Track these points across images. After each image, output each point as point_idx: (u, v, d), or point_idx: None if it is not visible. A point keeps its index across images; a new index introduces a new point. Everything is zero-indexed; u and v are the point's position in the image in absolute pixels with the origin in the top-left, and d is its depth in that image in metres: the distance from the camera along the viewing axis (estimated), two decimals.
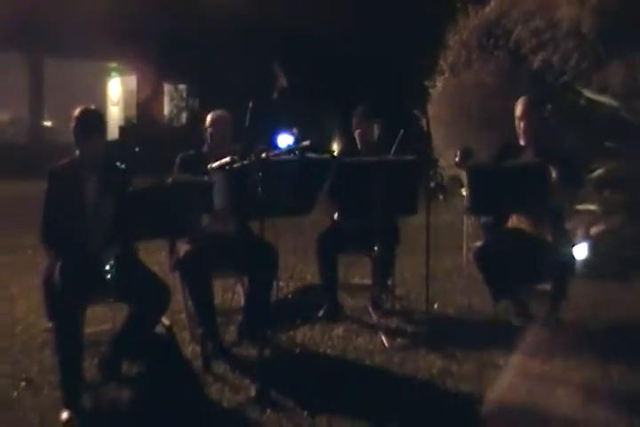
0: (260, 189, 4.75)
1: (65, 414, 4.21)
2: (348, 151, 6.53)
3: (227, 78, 19.40)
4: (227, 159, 5.27)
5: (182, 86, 25.11)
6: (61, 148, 5.58)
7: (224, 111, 5.84)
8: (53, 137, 21.42)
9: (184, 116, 24.55)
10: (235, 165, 5.19)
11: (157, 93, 24.79)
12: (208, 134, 5.77)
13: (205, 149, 5.79)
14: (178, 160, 5.69)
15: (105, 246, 4.61)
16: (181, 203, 4.64)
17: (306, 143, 5.32)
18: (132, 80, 25.26)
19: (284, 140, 6.06)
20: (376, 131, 6.46)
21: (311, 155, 5.38)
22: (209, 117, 5.81)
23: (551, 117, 6.03)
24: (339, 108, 16.71)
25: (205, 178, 5.24)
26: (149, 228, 4.54)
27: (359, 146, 6.47)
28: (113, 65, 25.16)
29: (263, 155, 4.88)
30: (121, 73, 25.63)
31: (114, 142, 18.78)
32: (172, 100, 25.23)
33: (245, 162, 5.06)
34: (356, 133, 6.47)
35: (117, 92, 26.17)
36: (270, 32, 17.71)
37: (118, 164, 4.89)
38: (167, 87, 25.44)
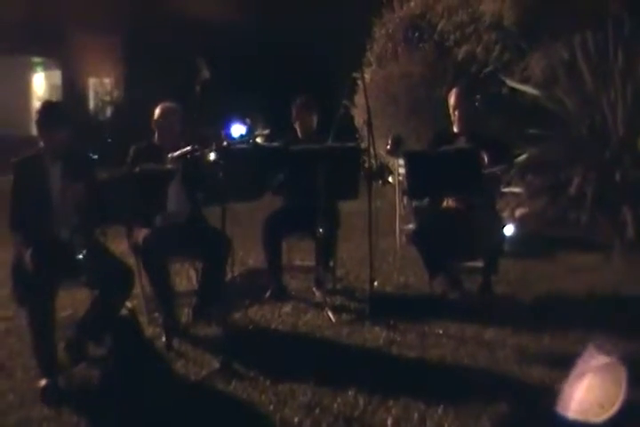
0: (221, 175, 4.97)
1: (43, 381, 4.49)
2: (290, 140, 6.58)
3: (154, 73, 19.46)
4: (188, 148, 5.47)
5: (108, 80, 24.95)
6: None
7: (172, 103, 5.98)
8: None
9: (109, 110, 24.36)
10: (196, 154, 5.41)
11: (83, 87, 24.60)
12: (157, 126, 5.89)
13: (156, 140, 5.93)
14: (131, 152, 5.81)
15: (74, 232, 4.85)
16: (147, 190, 4.85)
17: (266, 131, 5.60)
18: (57, 75, 25.04)
19: (237, 129, 6.31)
20: (315, 120, 6.71)
21: (263, 143, 5.66)
22: (158, 110, 5.91)
23: (479, 106, 6.41)
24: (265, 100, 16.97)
25: (169, 166, 5.46)
26: (115, 214, 4.78)
27: (300, 135, 6.69)
28: (37, 60, 24.93)
29: (225, 143, 5.15)
30: (45, 68, 25.40)
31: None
32: (97, 94, 25.05)
33: (207, 150, 5.29)
34: (297, 124, 6.70)
35: (42, 86, 25.92)
36: (199, 26, 17.80)
37: (91, 154, 5.15)
38: (92, 81, 25.26)
